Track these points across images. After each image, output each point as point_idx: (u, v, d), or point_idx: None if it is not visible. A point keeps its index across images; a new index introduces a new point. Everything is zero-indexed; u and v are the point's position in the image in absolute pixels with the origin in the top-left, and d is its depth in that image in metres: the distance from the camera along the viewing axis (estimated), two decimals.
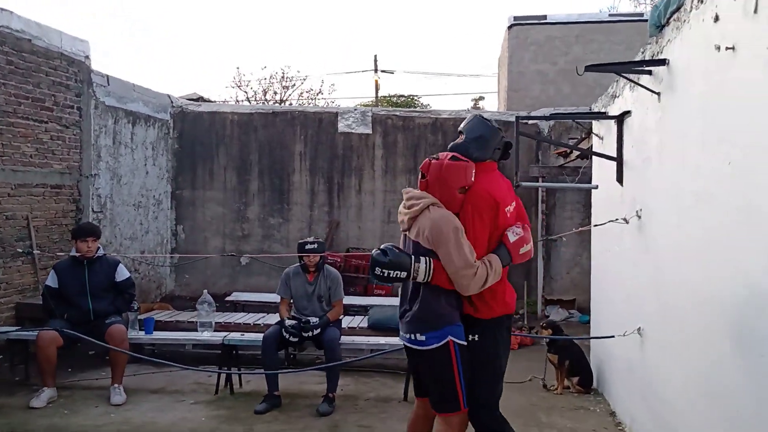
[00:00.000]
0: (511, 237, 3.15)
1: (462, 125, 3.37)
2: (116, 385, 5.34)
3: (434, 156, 3.21)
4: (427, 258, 3.13)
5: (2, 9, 6.47)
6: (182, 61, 50.70)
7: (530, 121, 9.51)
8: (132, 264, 8.95)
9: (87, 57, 7.77)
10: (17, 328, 6.02)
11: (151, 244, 9.64)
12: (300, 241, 5.62)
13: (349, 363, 5.62)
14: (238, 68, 45.76)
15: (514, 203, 3.29)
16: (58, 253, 6.68)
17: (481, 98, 29.92)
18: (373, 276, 3.24)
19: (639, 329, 4.30)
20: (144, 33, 53.62)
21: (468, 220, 3.15)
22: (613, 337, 4.67)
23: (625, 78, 4.35)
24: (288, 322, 5.32)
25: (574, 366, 5.71)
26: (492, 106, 25.12)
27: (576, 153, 7.94)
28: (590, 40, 15.55)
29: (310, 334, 5.28)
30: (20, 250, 6.38)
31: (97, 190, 8.15)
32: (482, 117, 3.38)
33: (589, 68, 4.05)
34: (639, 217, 4.33)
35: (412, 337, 3.17)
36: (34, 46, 6.84)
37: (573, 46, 15.60)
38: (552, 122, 9.87)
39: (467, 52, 58.52)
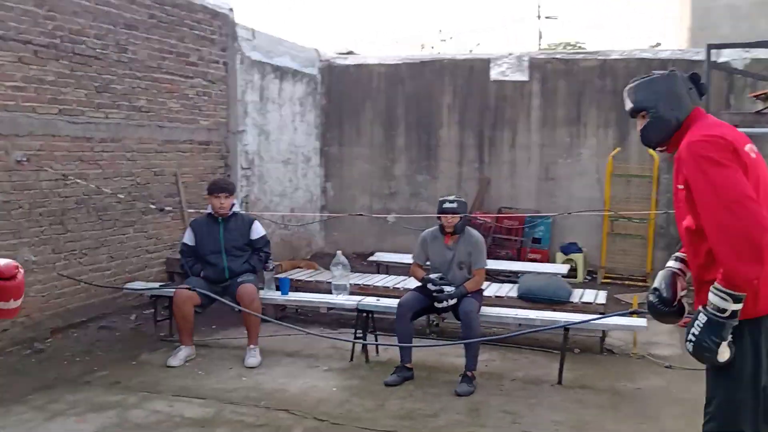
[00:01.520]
0: None
1: (631, 106, 2.60)
2: (252, 346, 5.17)
3: None
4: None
5: None
6: (337, 20, 51.30)
7: (720, 59, 8.03)
8: (282, 220, 8.91)
9: (231, 9, 7.64)
10: (159, 284, 6.08)
11: (300, 201, 9.57)
12: (440, 198, 5.02)
13: (491, 339, 5.01)
14: (393, 24, 45.53)
15: (751, 146, 2.39)
16: (202, 210, 6.66)
17: (658, 44, 27.04)
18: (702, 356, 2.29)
19: None
20: None
21: (693, 183, 2.30)
22: None
23: None
24: (434, 275, 4.80)
25: None
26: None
27: None
28: None
29: (445, 304, 4.70)
30: (153, 207, 6.42)
31: (245, 147, 8.12)
32: (638, 80, 2.60)
33: None
34: None
35: None
36: None
37: None
38: (747, 60, 8.28)
39: None
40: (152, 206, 6.35)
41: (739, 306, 2.21)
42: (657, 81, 2.56)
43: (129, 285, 6.08)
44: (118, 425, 3.97)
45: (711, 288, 2.25)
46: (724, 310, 2.21)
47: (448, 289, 4.68)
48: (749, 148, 2.38)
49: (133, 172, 6.43)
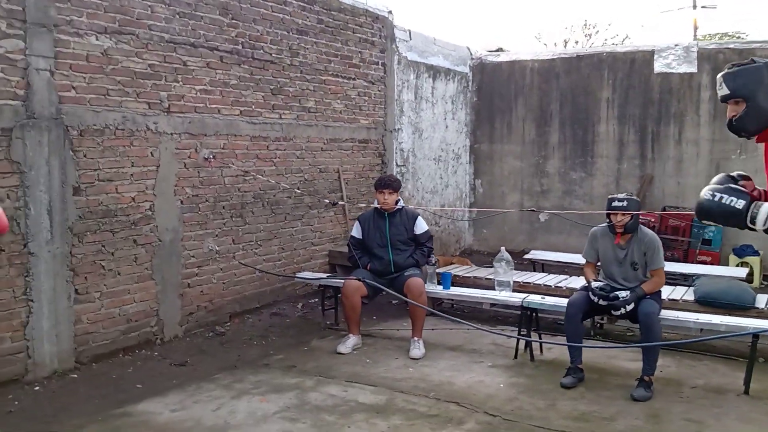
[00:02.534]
0: None
1: (727, 92, 2.54)
2: (416, 338, 5.29)
3: None
4: None
5: None
6: (485, 16, 50.88)
7: None
8: (433, 217, 9.03)
9: (390, 12, 7.86)
10: (329, 274, 6.39)
11: (450, 198, 9.65)
12: (609, 196, 4.85)
13: (671, 344, 4.77)
14: (536, 18, 44.48)
15: None
16: (360, 205, 6.94)
17: None
18: (701, 212, 2.59)
19: None
20: None
21: None
22: None
23: None
24: (595, 284, 4.63)
25: None
26: None
27: None
28: None
29: (621, 311, 4.53)
30: (326, 201, 6.75)
31: (400, 144, 8.32)
32: (733, 67, 2.55)
33: None
34: None
35: None
36: (341, 4, 7.08)
37: None
38: None
39: None
40: (326, 201, 6.69)
41: (759, 225, 2.43)
42: (760, 69, 2.49)
43: (299, 274, 6.44)
44: (299, 406, 4.22)
45: None
46: (753, 220, 2.45)
47: (622, 294, 4.50)
48: None
49: (301, 169, 6.80)
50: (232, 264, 6.13)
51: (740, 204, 2.49)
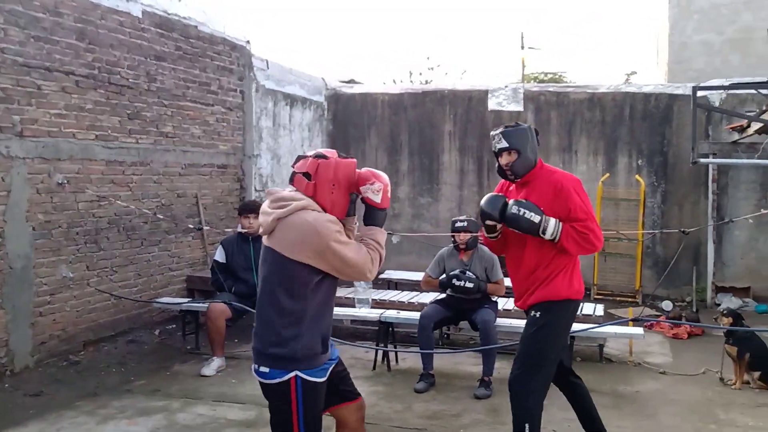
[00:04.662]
0: (374, 196, 2.76)
1: (506, 145, 3.43)
2: None
3: (320, 155, 2.75)
4: (557, 220, 3.35)
5: None
6: (338, 46, 52.06)
7: (699, 92, 8.65)
8: None
9: (248, 42, 8.12)
10: (189, 299, 6.44)
11: None
12: (453, 219, 5.52)
13: (506, 347, 5.43)
14: (384, 53, 46.38)
15: None
16: (225, 230, 7.07)
17: (633, 73, 28.07)
18: (509, 221, 3.40)
19: None
20: (300, 17, 55.62)
21: (571, 200, 3.37)
22: None
23: None
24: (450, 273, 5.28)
25: (756, 360, 5.18)
26: (647, 80, 23.31)
27: (754, 128, 7.11)
28: (762, 6, 13.99)
29: (463, 283, 5.14)
30: (191, 226, 6.82)
31: (259, 170, 8.54)
32: (508, 128, 3.48)
33: None
34: None
35: (257, 367, 2.75)
36: (199, 32, 7.25)
37: (742, 14, 14.16)
38: (724, 95, 8.92)
39: (620, 22, 54.93)
40: (190, 226, 6.73)
41: (549, 234, 3.35)
42: (525, 130, 3.48)
43: (159, 300, 6.42)
44: (168, 427, 4.32)
45: (562, 224, 3.34)
46: (544, 230, 3.33)
47: (469, 274, 5.18)
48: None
49: (159, 194, 6.81)
50: (87, 291, 6.00)
51: (536, 218, 3.33)
